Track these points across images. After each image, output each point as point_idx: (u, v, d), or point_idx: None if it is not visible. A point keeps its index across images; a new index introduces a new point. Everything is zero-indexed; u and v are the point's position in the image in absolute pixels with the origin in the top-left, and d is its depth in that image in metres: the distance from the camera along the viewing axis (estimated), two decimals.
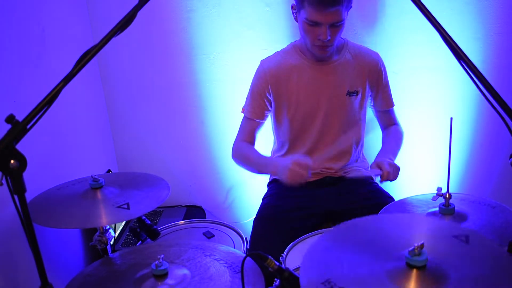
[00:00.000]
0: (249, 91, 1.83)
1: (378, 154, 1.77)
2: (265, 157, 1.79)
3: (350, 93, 1.76)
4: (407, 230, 1.00)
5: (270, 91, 1.76)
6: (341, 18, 1.57)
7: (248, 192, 2.27)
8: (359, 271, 0.87)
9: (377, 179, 1.65)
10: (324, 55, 1.70)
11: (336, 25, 1.59)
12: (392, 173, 1.56)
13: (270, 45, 2.00)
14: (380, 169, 1.56)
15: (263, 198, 1.87)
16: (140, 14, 1.02)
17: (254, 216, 1.77)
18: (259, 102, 1.78)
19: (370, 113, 1.92)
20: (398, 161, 1.81)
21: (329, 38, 1.59)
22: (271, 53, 1.84)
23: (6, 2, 1.51)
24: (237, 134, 1.86)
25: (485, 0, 1.89)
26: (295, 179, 1.51)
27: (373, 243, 0.94)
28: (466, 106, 2.04)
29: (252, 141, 1.84)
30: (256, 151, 1.80)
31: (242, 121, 1.85)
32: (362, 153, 1.94)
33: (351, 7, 1.64)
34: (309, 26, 1.60)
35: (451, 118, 1.17)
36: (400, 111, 1.95)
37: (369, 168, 1.79)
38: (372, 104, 1.88)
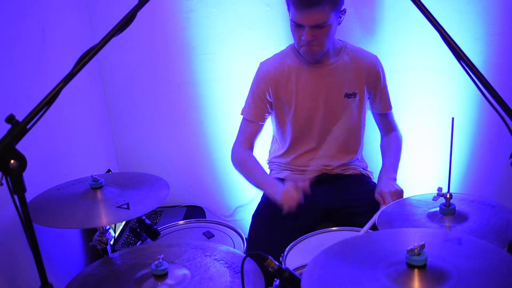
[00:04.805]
0: (249, 94, 1.82)
1: (380, 173, 1.78)
2: (264, 175, 1.76)
3: (348, 95, 1.76)
4: (402, 240, 1.01)
5: (270, 93, 1.77)
6: (324, 19, 1.56)
7: (248, 191, 2.27)
8: (361, 280, 0.87)
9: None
10: (311, 58, 1.70)
11: (321, 27, 1.58)
12: (396, 199, 1.59)
13: (270, 45, 2.00)
14: (383, 200, 1.61)
15: (262, 195, 1.87)
16: (140, 14, 1.02)
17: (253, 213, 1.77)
18: (259, 104, 1.78)
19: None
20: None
21: (313, 38, 1.59)
22: (271, 53, 1.84)
23: (6, 2, 1.51)
24: (237, 137, 1.85)
25: (485, 0, 1.89)
26: (288, 202, 1.49)
27: (370, 256, 0.95)
28: (467, 106, 2.04)
29: (251, 145, 1.82)
30: (257, 163, 1.77)
31: (241, 123, 1.84)
32: (361, 154, 1.94)
33: (342, 9, 1.63)
34: (294, 27, 1.61)
35: (453, 118, 1.17)
36: (401, 112, 1.94)
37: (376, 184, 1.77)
38: (370, 107, 1.88)
